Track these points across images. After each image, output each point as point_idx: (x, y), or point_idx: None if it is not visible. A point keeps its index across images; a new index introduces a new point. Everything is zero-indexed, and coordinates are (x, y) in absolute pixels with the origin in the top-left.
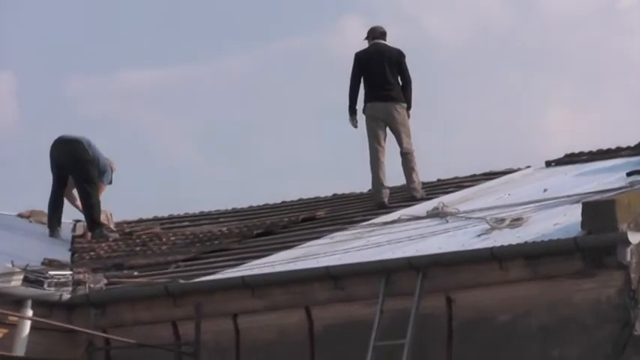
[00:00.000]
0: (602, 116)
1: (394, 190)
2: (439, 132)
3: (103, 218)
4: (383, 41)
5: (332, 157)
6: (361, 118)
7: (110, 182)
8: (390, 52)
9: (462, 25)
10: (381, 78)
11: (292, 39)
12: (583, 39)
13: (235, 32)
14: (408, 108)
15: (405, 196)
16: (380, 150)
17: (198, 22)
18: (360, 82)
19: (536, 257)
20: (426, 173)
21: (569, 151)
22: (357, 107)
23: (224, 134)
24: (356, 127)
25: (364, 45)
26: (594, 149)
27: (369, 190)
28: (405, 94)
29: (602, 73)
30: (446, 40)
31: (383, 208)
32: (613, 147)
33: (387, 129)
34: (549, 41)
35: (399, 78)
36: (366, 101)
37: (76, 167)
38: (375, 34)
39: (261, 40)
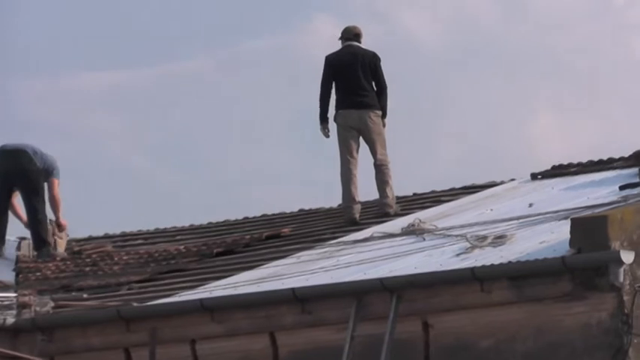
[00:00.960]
0: (593, 124)
1: (366, 206)
2: (416, 141)
3: None
4: (357, 43)
5: (299, 168)
6: (333, 126)
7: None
8: (364, 56)
9: (444, 25)
10: (354, 83)
11: (259, 40)
12: (574, 40)
13: (199, 33)
14: (384, 116)
15: (378, 211)
16: (352, 162)
17: (161, 23)
18: (331, 87)
19: (521, 278)
20: (400, 187)
21: (556, 163)
22: (329, 115)
23: (182, 143)
24: (328, 136)
25: (337, 47)
26: (584, 160)
27: (339, 205)
28: (380, 100)
29: (593, 77)
30: (426, 42)
31: (354, 224)
32: (604, 158)
33: (361, 138)
34: (538, 42)
35: (374, 83)
36: (337, 108)
37: (22, 179)
38: (349, 35)
39: (225, 41)
